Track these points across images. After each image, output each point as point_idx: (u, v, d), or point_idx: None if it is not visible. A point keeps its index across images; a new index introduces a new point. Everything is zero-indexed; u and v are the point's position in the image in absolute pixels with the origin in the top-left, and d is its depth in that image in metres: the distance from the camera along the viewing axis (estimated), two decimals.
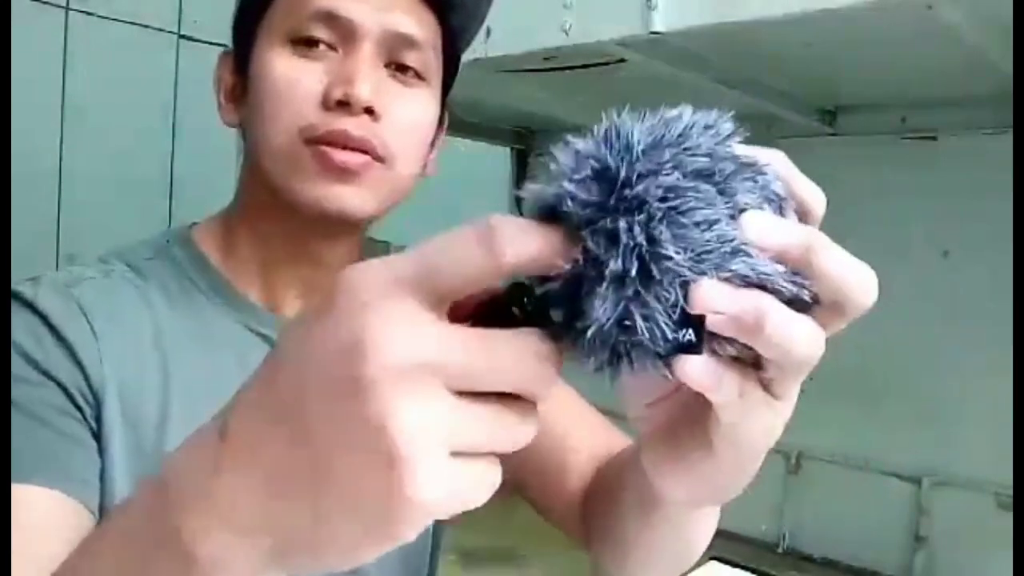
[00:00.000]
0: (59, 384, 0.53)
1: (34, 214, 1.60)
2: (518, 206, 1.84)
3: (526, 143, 2.10)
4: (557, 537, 0.81)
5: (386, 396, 0.26)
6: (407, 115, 0.60)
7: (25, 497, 0.49)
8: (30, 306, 0.55)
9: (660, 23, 0.97)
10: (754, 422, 0.33)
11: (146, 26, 1.78)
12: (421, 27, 0.61)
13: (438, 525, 0.74)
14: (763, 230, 0.29)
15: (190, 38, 1.83)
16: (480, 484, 0.29)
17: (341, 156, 0.57)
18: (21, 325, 0.54)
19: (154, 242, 0.64)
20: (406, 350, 0.27)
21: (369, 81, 0.57)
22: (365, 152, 0.58)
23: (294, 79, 0.58)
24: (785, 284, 0.29)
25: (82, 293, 0.57)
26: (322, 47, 0.58)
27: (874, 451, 1.51)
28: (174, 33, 1.82)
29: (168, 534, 0.31)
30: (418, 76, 0.61)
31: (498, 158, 2.14)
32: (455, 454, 0.27)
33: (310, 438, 0.28)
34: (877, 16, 0.96)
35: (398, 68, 0.60)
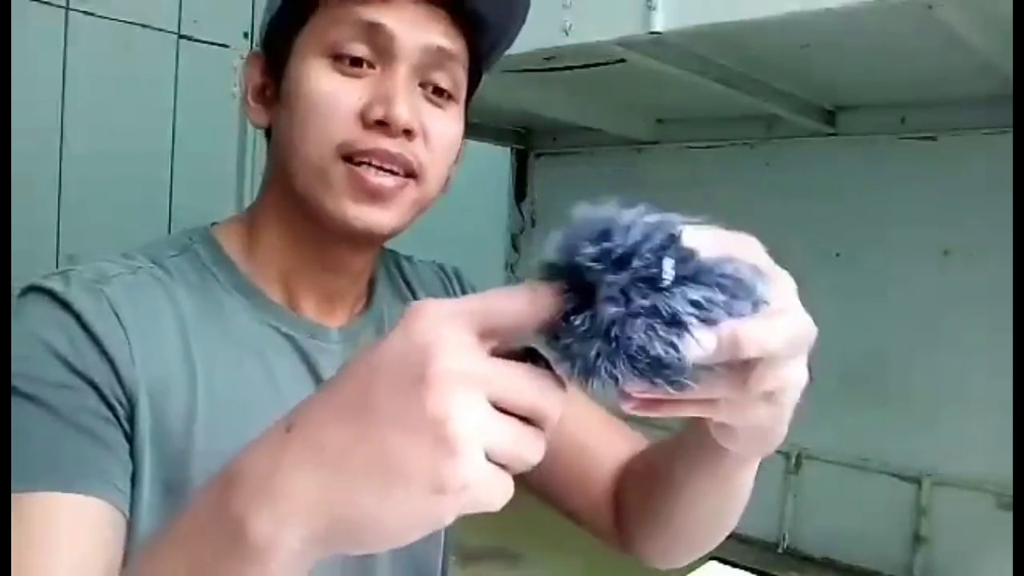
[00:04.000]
0: (94, 387, 0.53)
1: (34, 214, 1.60)
2: (518, 206, 1.83)
3: (526, 143, 2.11)
4: (557, 537, 0.81)
5: (446, 392, 0.33)
6: (440, 134, 0.62)
7: (60, 504, 0.50)
8: (62, 303, 0.55)
9: (660, 23, 0.97)
10: (747, 419, 0.41)
11: (146, 26, 1.78)
12: (453, 40, 0.62)
13: (447, 528, 0.75)
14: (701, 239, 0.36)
15: (190, 38, 1.83)
16: (501, 489, 0.34)
17: (376, 179, 0.59)
18: (54, 324, 0.54)
19: (177, 240, 0.64)
20: (464, 360, 0.33)
21: (408, 102, 0.59)
22: (400, 172, 0.60)
23: (333, 95, 0.59)
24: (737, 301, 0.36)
25: (112, 291, 0.56)
26: (362, 65, 0.59)
27: (874, 451, 1.51)
28: (174, 33, 1.82)
29: (232, 523, 0.35)
30: (449, 96, 0.63)
31: (498, 158, 2.14)
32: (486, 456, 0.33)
33: (374, 428, 0.34)
34: (877, 16, 0.96)
35: (430, 87, 0.62)
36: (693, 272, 0.35)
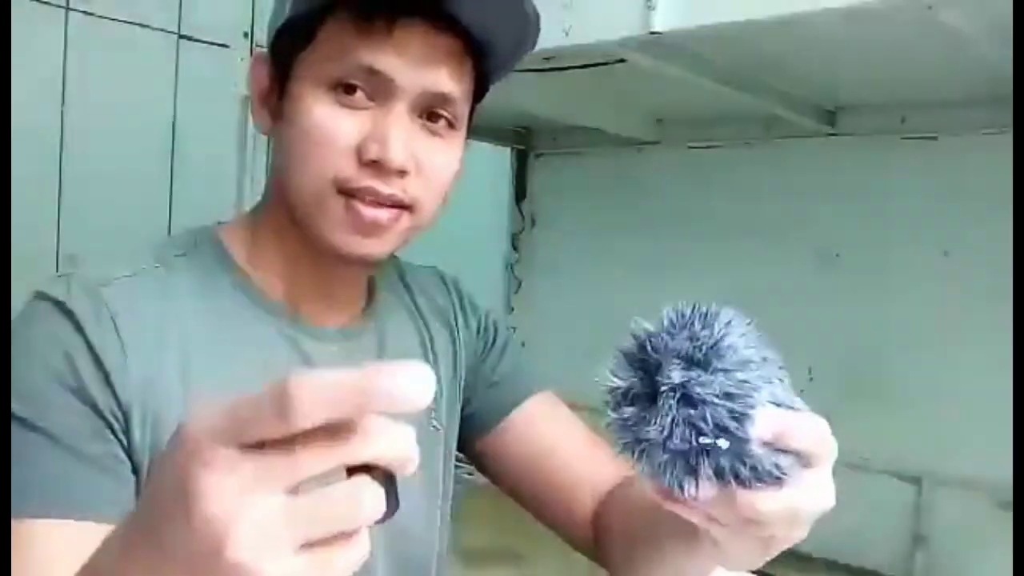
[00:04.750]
0: (93, 407, 0.54)
1: (34, 214, 1.60)
2: (518, 206, 1.85)
3: (526, 143, 2.10)
4: (557, 537, 0.82)
5: (217, 528, 0.30)
6: (436, 167, 0.62)
7: (54, 532, 0.51)
8: (63, 311, 0.55)
9: (660, 23, 0.97)
10: (734, 546, 0.50)
11: (146, 26, 1.78)
12: (458, 80, 0.61)
13: (442, 528, 0.77)
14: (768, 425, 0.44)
15: (190, 38, 1.83)
16: (336, 562, 0.32)
17: (372, 213, 0.59)
18: (55, 340, 0.55)
19: (183, 240, 0.65)
20: (223, 487, 0.31)
21: (402, 142, 0.59)
22: (393, 205, 0.60)
23: (331, 129, 0.59)
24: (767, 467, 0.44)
25: (112, 295, 0.57)
26: (360, 94, 0.59)
27: (874, 451, 1.51)
28: (174, 33, 1.82)
29: None
30: (449, 125, 0.63)
31: (498, 158, 2.14)
32: (307, 544, 0.31)
33: (166, 564, 0.33)
34: (877, 17, 0.96)
35: (431, 117, 0.62)
36: (736, 448, 0.42)
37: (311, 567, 0.31)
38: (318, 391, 0.30)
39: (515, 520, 0.89)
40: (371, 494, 0.32)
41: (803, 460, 0.46)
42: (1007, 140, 1.28)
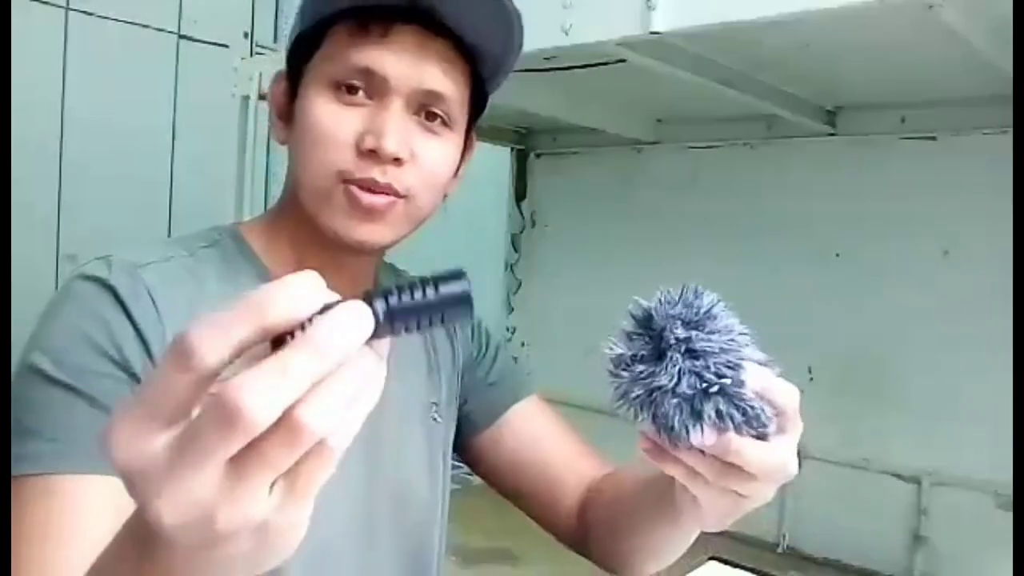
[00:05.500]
0: (132, 373, 0.58)
1: (34, 214, 1.60)
2: (518, 206, 1.85)
3: (526, 143, 2.10)
4: (553, 538, 0.84)
5: (194, 511, 0.30)
6: (430, 160, 0.68)
7: (100, 488, 0.54)
8: (104, 285, 0.60)
9: (660, 23, 0.97)
10: (709, 501, 0.56)
11: (146, 26, 1.79)
12: (450, 81, 0.67)
13: (442, 521, 0.81)
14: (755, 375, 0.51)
15: (190, 38, 1.84)
16: (311, 483, 0.32)
17: (369, 199, 0.65)
18: (95, 313, 0.58)
19: (207, 234, 0.71)
20: (169, 481, 0.31)
21: (397, 134, 0.64)
22: (389, 193, 0.66)
23: (333, 125, 0.65)
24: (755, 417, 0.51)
25: (147, 274, 0.62)
26: (360, 94, 0.65)
27: (874, 451, 1.51)
28: (174, 33, 1.82)
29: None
30: (444, 123, 0.68)
31: (498, 158, 2.14)
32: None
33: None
34: (877, 16, 0.96)
35: (427, 115, 0.67)
36: (733, 391, 0.49)
37: (288, 496, 0.32)
38: (210, 323, 0.30)
39: (512, 520, 0.89)
40: (326, 407, 0.31)
41: (779, 422, 0.52)
42: (1007, 140, 1.28)
